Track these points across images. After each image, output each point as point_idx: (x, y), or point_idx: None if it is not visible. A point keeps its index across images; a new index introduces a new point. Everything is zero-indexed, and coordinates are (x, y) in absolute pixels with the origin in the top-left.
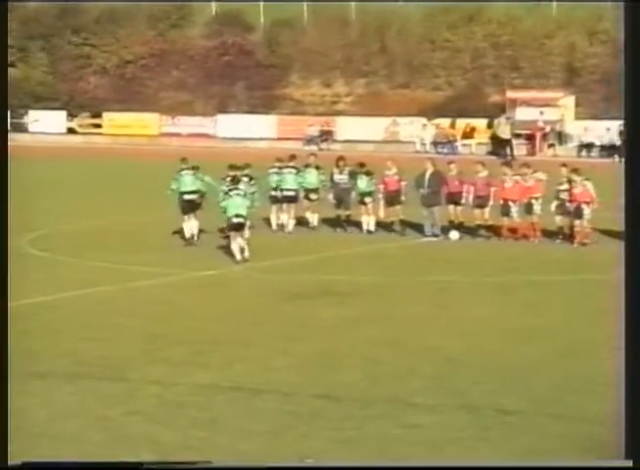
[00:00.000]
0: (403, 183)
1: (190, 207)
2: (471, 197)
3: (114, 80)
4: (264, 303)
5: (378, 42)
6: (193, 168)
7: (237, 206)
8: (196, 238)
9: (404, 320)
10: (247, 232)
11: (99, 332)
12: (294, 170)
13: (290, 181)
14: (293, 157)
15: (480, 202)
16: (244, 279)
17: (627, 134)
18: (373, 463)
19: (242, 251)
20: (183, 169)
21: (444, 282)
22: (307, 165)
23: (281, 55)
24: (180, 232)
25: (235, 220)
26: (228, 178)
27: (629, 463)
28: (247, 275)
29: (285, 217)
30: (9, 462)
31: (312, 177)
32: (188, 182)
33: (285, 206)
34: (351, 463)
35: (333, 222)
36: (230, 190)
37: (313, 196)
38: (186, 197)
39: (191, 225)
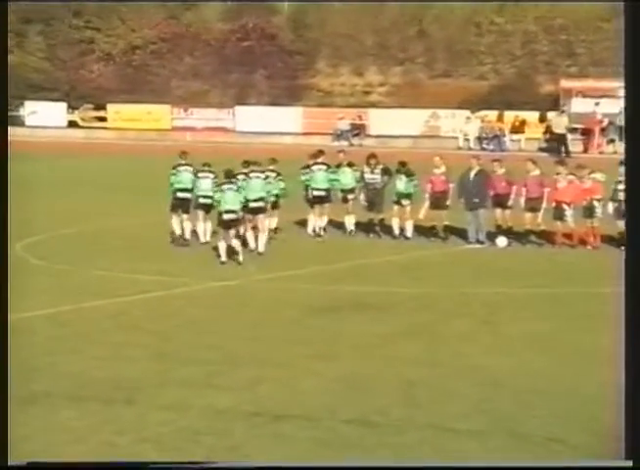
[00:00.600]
0: (451, 185)
1: (181, 205)
2: (522, 199)
3: (121, 68)
4: (289, 317)
5: (416, 25)
6: (190, 166)
7: (229, 201)
8: (188, 237)
9: (445, 337)
10: (266, 219)
11: (104, 350)
12: (323, 167)
13: (320, 180)
14: (321, 152)
15: (533, 204)
16: (266, 290)
17: (627, 134)
18: (373, 463)
19: (234, 252)
20: (181, 165)
21: (490, 294)
22: (339, 165)
23: (307, 40)
24: (196, 237)
25: (226, 217)
26: (239, 175)
27: (629, 463)
28: (269, 286)
29: (313, 220)
30: (9, 462)
31: (347, 177)
32: (185, 180)
33: (316, 207)
34: (352, 463)
35: (365, 227)
36: (223, 184)
37: (350, 196)
38: (180, 195)
39: (182, 224)
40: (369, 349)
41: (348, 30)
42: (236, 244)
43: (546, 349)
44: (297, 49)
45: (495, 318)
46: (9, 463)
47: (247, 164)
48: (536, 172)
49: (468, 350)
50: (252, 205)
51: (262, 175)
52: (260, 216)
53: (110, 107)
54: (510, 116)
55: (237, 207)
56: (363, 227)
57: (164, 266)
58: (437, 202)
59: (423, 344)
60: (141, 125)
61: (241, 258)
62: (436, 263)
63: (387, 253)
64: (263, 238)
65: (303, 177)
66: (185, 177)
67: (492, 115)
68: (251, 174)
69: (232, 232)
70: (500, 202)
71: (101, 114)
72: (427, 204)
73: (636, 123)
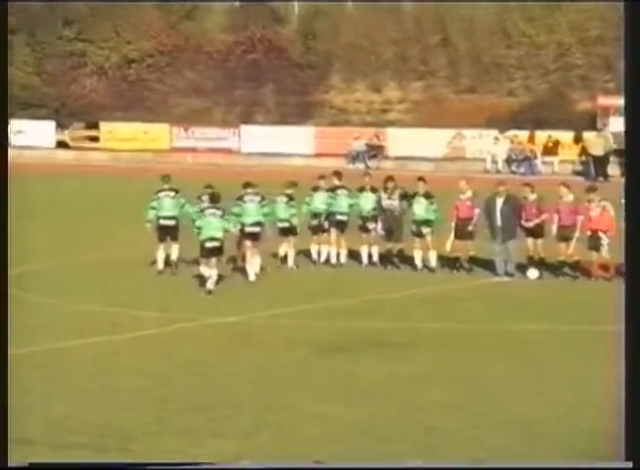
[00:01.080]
0: (476, 210)
1: (166, 233)
2: (554, 227)
3: (115, 83)
4: (297, 357)
5: (438, 35)
6: (173, 190)
7: (212, 228)
8: (174, 267)
9: (473, 380)
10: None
11: (95, 394)
12: (346, 191)
13: (343, 204)
14: (339, 174)
15: (565, 233)
16: (272, 328)
17: (628, 137)
18: (373, 464)
19: (210, 282)
20: (163, 191)
21: (521, 332)
22: (362, 189)
23: (319, 52)
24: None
25: (209, 245)
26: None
27: (629, 465)
28: (275, 323)
29: (325, 249)
30: (9, 463)
31: (368, 202)
32: (167, 206)
33: (333, 233)
34: (352, 464)
35: (383, 257)
36: (205, 209)
37: (371, 225)
38: (162, 222)
39: (166, 254)
40: (386, 392)
41: (364, 41)
42: (209, 273)
43: (586, 393)
44: (307, 62)
45: (528, 359)
46: (9, 464)
47: (248, 186)
48: (570, 198)
49: (499, 394)
50: (249, 229)
51: (257, 198)
52: (257, 243)
53: (102, 125)
54: (542, 136)
55: (220, 234)
56: (381, 258)
57: (161, 301)
58: (463, 230)
59: (447, 387)
60: (137, 146)
61: (212, 287)
62: (462, 298)
63: (406, 286)
64: (257, 264)
65: (323, 200)
66: (167, 204)
67: (523, 135)
68: (246, 198)
69: (213, 262)
70: (532, 231)
71: (93, 133)
72: (453, 234)
73: (637, 124)
